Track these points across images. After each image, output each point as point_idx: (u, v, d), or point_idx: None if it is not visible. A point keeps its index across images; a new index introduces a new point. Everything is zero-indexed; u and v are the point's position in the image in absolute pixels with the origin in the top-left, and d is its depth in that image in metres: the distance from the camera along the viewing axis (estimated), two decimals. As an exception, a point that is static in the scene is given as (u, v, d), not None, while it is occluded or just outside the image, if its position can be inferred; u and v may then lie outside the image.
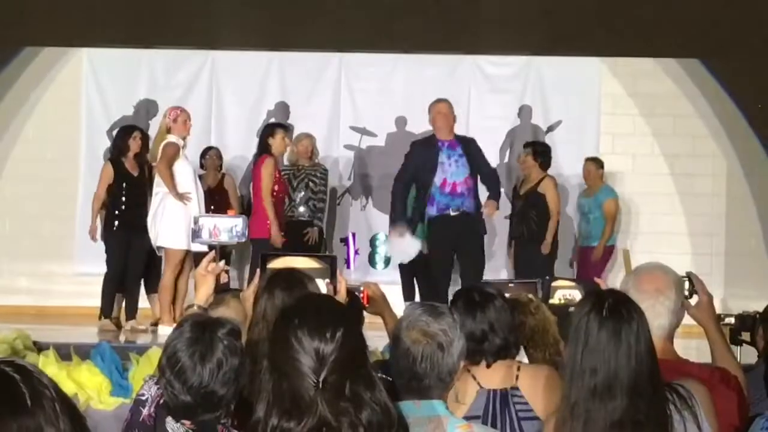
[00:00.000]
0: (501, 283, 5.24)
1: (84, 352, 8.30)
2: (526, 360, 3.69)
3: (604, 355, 3.27)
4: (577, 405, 3.27)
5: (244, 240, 4.23)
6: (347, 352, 2.83)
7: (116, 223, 10.91)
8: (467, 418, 4.52)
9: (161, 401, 3.52)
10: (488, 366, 4.62)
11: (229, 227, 4.22)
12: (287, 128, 11.50)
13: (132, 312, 11.07)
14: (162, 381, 3.45)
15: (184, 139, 10.50)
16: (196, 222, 4.19)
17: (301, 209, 11.77)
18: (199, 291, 4.23)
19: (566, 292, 3.86)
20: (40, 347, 8.66)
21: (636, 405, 3.25)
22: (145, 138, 11.20)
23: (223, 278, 4.39)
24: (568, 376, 3.33)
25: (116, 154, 11.10)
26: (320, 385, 2.79)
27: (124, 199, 10.92)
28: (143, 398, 3.62)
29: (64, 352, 8.31)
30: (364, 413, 2.81)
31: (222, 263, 4.14)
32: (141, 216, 10.78)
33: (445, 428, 3.49)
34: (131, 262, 11.03)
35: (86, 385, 7.94)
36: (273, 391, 2.84)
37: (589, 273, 11.60)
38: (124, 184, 10.94)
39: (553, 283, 3.89)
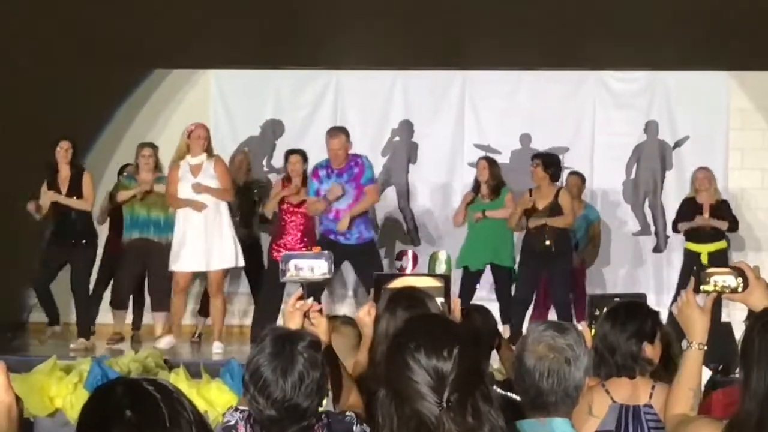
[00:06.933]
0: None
1: (213, 370, 8.43)
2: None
3: None
4: (751, 415, 3.24)
5: (329, 276, 4.16)
6: (465, 369, 2.79)
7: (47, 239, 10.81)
8: (599, 432, 4.50)
9: (252, 422, 3.57)
10: (614, 376, 4.61)
11: (311, 265, 4.18)
12: (298, 152, 11.56)
13: (84, 330, 10.75)
14: (247, 396, 3.52)
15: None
16: (283, 261, 4.18)
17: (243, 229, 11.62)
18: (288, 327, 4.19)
19: (720, 278, 3.80)
20: (170, 365, 8.82)
21: None
22: (75, 146, 10.83)
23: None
24: (742, 387, 3.29)
25: (50, 173, 10.70)
26: (445, 405, 2.77)
27: (52, 216, 10.76)
28: (230, 423, 3.64)
29: (194, 370, 8.44)
30: (486, 428, 2.79)
31: (310, 300, 4.08)
32: (62, 232, 10.65)
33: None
34: (73, 279, 10.73)
35: (216, 402, 8.05)
36: (397, 415, 2.81)
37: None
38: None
39: (707, 270, 3.82)
